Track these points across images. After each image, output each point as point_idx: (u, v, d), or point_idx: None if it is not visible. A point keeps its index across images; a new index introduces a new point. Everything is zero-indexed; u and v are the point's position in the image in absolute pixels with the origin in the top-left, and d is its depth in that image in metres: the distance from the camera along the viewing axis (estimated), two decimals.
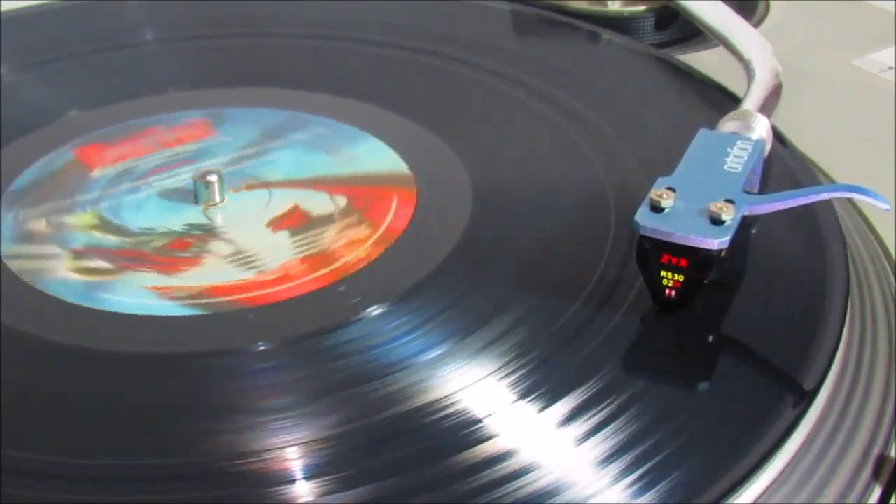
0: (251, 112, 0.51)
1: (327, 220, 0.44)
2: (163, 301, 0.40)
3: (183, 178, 0.47)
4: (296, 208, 0.45)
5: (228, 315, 0.39)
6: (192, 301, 0.40)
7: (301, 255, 0.42)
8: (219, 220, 0.45)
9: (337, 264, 0.42)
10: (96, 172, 0.47)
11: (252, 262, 0.42)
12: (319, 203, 0.45)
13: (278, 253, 0.42)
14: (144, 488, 0.33)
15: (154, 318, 0.39)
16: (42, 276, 0.42)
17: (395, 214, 0.44)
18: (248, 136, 0.50)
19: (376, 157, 0.48)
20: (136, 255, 0.43)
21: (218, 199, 0.45)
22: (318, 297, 0.40)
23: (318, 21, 0.58)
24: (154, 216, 0.45)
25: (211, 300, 0.40)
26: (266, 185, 0.47)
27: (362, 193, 0.46)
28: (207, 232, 0.44)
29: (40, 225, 0.44)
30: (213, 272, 0.42)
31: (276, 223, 0.44)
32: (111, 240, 0.44)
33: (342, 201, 0.45)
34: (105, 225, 0.44)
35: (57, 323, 0.39)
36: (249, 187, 0.46)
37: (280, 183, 0.47)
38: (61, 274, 0.42)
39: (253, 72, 0.54)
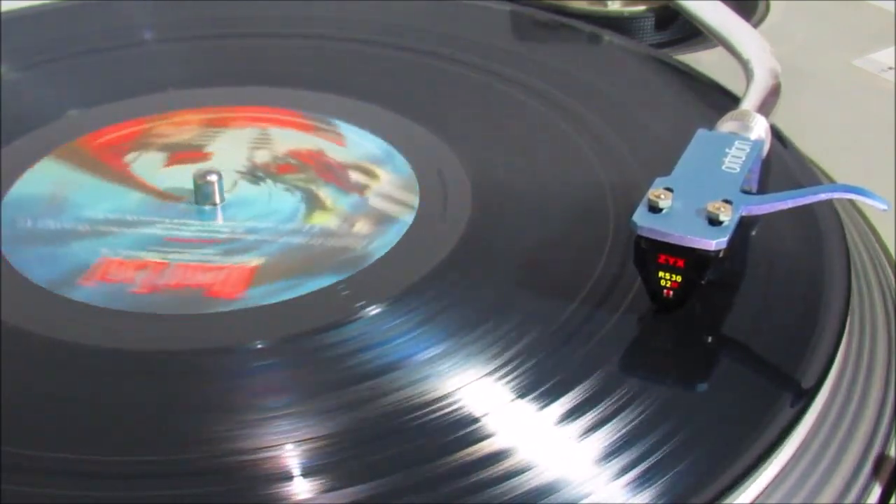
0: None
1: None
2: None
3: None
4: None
5: (228, 314, 0.39)
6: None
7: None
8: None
9: None
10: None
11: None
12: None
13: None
14: (143, 486, 0.33)
15: (153, 316, 0.39)
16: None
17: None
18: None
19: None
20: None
21: (217, 198, 0.45)
22: (317, 296, 0.40)
23: (318, 21, 0.58)
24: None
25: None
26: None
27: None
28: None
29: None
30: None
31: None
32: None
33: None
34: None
35: (56, 321, 0.39)
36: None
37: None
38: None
39: (253, 72, 0.55)
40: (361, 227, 0.44)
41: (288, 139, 0.49)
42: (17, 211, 0.45)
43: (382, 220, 0.44)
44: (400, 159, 0.47)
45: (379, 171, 0.47)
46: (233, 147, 0.49)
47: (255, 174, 0.47)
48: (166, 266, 0.42)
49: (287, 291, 0.40)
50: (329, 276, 0.41)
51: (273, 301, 0.40)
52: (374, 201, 0.45)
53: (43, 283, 0.41)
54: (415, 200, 0.45)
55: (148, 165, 0.48)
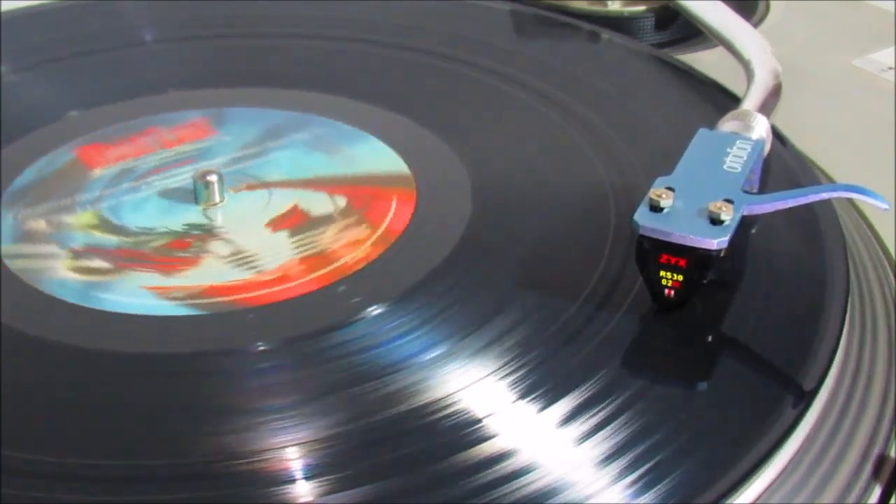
0: (252, 112, 0.51)
1: (327, 220, 0.44)
2: (161, 301, 0.40)
3: (183, 177, 0.47)
4: (295, 208, 0.45)
5: (228, 315, 0.39)
6: (190, 301, 0.40)
7: (300, 256, 0.42)
8: (218, 220, 0.45)
9: (336, 264, 0.42)
10: (97, 172, 0.47)
11: (251, 262, 0.42)
12: (319, 203, 0.45)
13: (277, 253, 0.42)
14: (144, 488, 0.33)
15: (154, 317, 0.39)
16: (41, 276, 0.42)
17: (395, 215, 0.44)
18: (249, 135, 0.50)
19: (376, 157, 0.48)
20: (136, 254, 0.43)
21: (217, 198, 0.45)
22: (317, 297, 0.40)
23: (318, 21, 0.58)
24: (153, 216, 0.45)
25: (209, 300, 0.40)
26: (266, 185, 0.47)
27: (362, 194, 0.46)
28: (207, 232, 0.44)
29: (40, 224, 0.44)
30: (212, 272, 0.42)
31: (276, 223, 0.44)
32: (111, 239, 0.44)
33: (342, 202, 0.45)
34: (105, 224, 0.44)
35: (56, 323, 0.39)
36: (249, 187, 0.47)
37: (279, 183, 0.47)
38: (61, 273, 0.42)
39: (253, 72, 0.54)
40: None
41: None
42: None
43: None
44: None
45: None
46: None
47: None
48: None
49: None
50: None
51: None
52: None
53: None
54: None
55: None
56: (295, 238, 0.43)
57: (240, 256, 0.42)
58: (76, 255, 0.43)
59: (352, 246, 0.43)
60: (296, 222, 0.44)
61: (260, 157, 0.48)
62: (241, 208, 0.45)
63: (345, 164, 0.48)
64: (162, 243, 0.43)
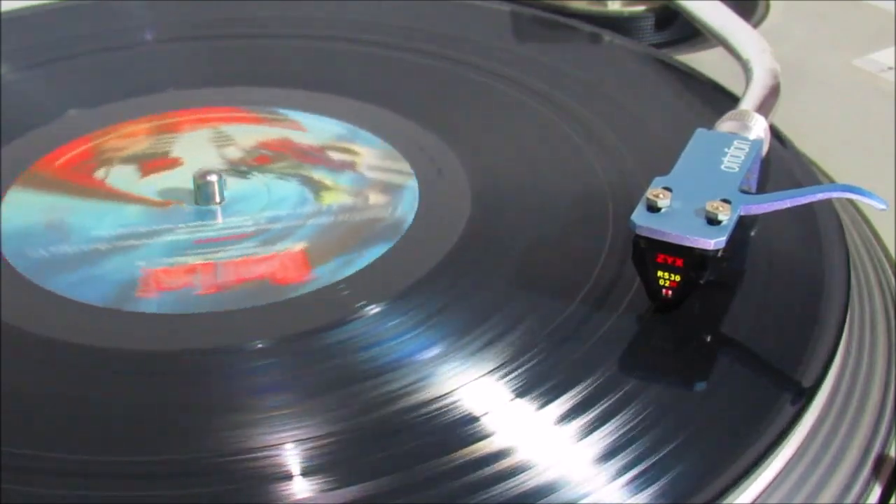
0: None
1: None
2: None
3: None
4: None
5: (228, 314, 0.39)
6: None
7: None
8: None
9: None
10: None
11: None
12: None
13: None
14: (143, 486, 0.33)
15: (154, 316, 0.39)
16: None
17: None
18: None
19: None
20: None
21: (218, 198, 0.45)
22: (317, 295, 0.40)
23: (318, 21, 0.58)
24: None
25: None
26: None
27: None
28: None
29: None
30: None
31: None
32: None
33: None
34: None
35: (55, 321, 0.39)
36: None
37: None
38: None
39: (253, 72, 0.55)
40: (376, 198, 0.44)
41: (246, 133, 0.50)
42: (22, 243, 0.43)
43: (391, 187, 0.45)
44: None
45: (357, 147, 0.48)
46: (197, 149, 0.49)
47: (239, 170, 0.47)
48: (215, 266, 0.42)
49: (349, 266, 0.41)
50: (381, 244, 0.42)
51: (341, 276, 0.40)
52: (371, 173, 0.46)
53: (100, 304, 0.40)
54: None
55: (123, 179, 0.47)
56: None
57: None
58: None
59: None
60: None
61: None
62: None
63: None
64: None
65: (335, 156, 0.47)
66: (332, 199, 0.45)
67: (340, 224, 0.44)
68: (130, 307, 0.40)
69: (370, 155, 0.47)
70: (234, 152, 0.48)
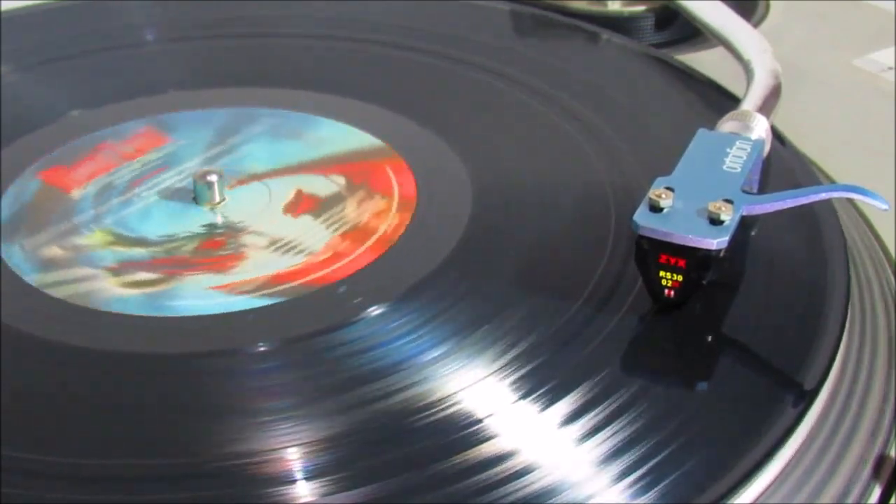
0: (194, 114, 0.51)
1: (339, 198, 0.45)
2: (232, 297, 0.40)
3: (167, 183, 0.46)
4: (300, 193, 0.45)
5: (228, 315, 0.39)
6: (262, 292, 0.40)
7: (339, 233, 0.43)
8: (233, 216, 0.45)
9: (377, 235, 0.42)
10: (75, 193, 0.46)
11: (295, 247, 0.42)
12: (320, 185, 0.46)
13: (315, 235, 0.43)
14: (143, 489, 0.33)
15: (155, 318, 0.39)
16: (97, 297, 0.41)
17: (399, 182, 0.45)
18: (206, 136, 0.49)
19: (345, 136, 0.49)
20: (176, 260, 0.42)
21: (218, 198, 0.45)
22: (318, 296, 0.40)
23: (318, 21, 0.58)
24: (165, 223, 0.44)
25: (280, 287, 0.40)
26: (257, 177, 0.47)
27: (355, 170, 0.46)
28: (230, 229, 0.44)
29: (54, 251, 0.43)
30: (265, 262, 0.42)
31: (292, 209, 0.45)
32: (139, 252, 0.43)
33: (341, 180, 0.46)
34: (122, 239, 0.44)
35: (58, 323, 0.39)
36: (241, 182, 0.46)
37: (269, 173, 0.47)
38: (115, 291, 0.41)
39: (253, 72, 0.54)
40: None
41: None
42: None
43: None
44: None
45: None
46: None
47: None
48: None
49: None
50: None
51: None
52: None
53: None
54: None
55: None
56: (320, 219, 0.44)
57: (281, 244, 0.43)
58: (116, 272, 0.42)
59: (380, 216, 0.43)
60: (310, 205, 0.45)
61: (231, 154, 0.48)
62: (248, 202, 0.45)
63: (318, 147, 0.48)
64: (194, 246, 0.43)
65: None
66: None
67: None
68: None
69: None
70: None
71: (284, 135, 0.49)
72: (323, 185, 0.46)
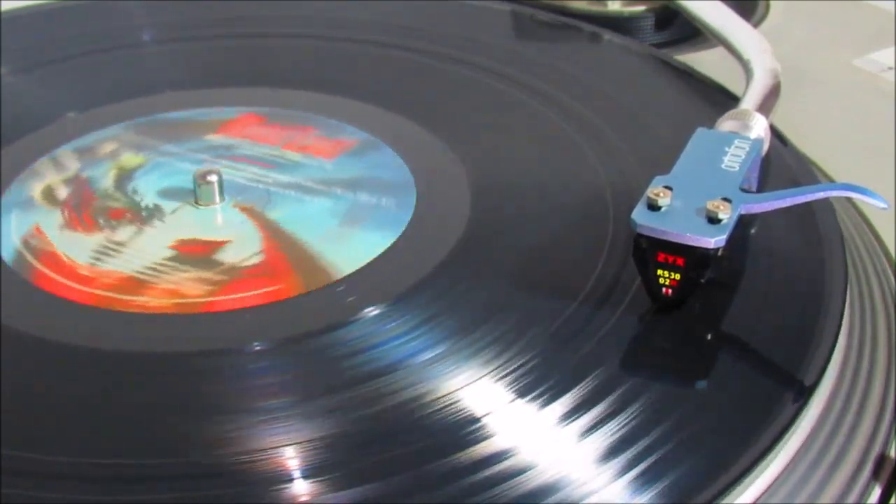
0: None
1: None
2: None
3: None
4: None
5: (227, 315, 0.39)
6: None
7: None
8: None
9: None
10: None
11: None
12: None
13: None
14: (143, 488, 0.33)
15: (154, 317, 0.39)
16: None
17: None
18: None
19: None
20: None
21: (218, 199, 0.45)
22: (316, 296, 0.40)
23: (318, 21, 0.58)
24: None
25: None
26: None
27: None
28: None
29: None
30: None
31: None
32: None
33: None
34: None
35: (55, 322, 0.39)
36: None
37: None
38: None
39: (252, 72, 0.55)
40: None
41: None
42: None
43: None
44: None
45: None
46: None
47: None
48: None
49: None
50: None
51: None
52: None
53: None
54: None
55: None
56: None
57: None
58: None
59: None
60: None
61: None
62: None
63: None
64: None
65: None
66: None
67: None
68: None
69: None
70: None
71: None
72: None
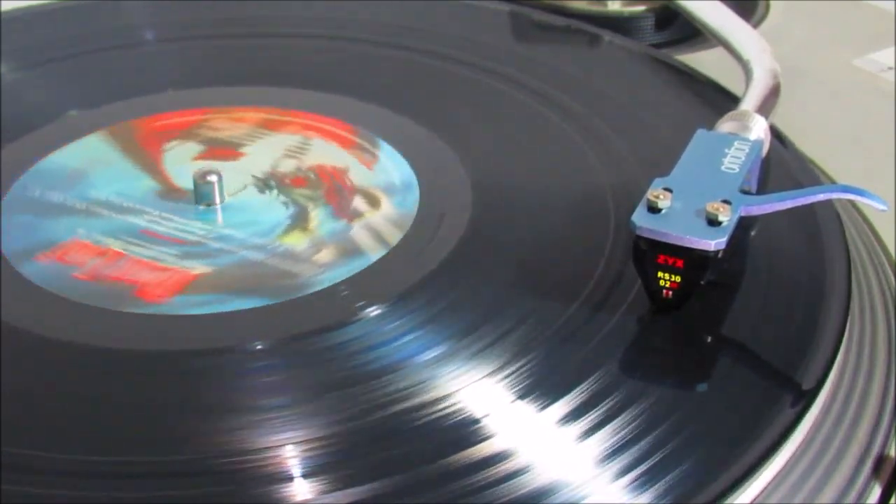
0: None
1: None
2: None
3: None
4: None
5: (228, 315, 0.39)
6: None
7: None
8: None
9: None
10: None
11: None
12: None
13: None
14: (143, 487, 0.33)
15: (153, 317, 0.39)
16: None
17: None
18: None
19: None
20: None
21: (218, 199, 0.45)
22: (317, 296, 0.40)
23: (318, 21, 0.58)
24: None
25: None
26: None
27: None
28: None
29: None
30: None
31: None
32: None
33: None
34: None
35: (55, 320, 0.39)
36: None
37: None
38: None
39: (253, 72, 0.54)
40: (324, 255, 0.43)
41: (322, 152, 0.49)
42: (36, 179, 0.47)
43: (350, 252, 0.43)
44: (414, 193, 0.46)
45: (384, 201, 0.46)
46: (267, 151, 0.49)
47: (267, 182, 0.47)
48: (121, 257, 0.42)
49: (208, 306, 0.40)
50: (258, 300, 0.40)
51: (192, 312, 0.40)
52: (357, 232, 0.44)
53: (7, 252, 0.42)
54: (397, 238, 0.43)
55: (180, 156, 0.48)
56: None
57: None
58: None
59: None
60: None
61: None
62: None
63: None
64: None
65: (356, 202, 0.46)
66: (290, 240, 0.43)
67: (262, 265, 0.42)
68: (18, 265, 0.42)
69: (384, 214, 0.45)
70: (288, 165, 0.48)
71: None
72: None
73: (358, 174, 0.47)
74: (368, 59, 0.55)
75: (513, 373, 0.36)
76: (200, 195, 0.45)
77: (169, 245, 0.43)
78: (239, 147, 0.49)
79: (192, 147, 0.49)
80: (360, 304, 0.39)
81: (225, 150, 0.49)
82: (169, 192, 0.46)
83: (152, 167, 0.48)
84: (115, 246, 0.43)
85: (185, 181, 0.46)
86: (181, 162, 0.48)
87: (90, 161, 0.48)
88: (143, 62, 0.56)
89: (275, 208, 0.45)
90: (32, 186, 0.46)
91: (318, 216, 0.45)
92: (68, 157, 0.48)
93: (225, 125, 0.50)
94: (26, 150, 0.49)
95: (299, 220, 0.45)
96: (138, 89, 0.53)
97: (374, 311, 0.39)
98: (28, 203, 0.45)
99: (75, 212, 0.45)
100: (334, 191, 0.46)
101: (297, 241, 0.43)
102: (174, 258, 0.42)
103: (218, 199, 0.45)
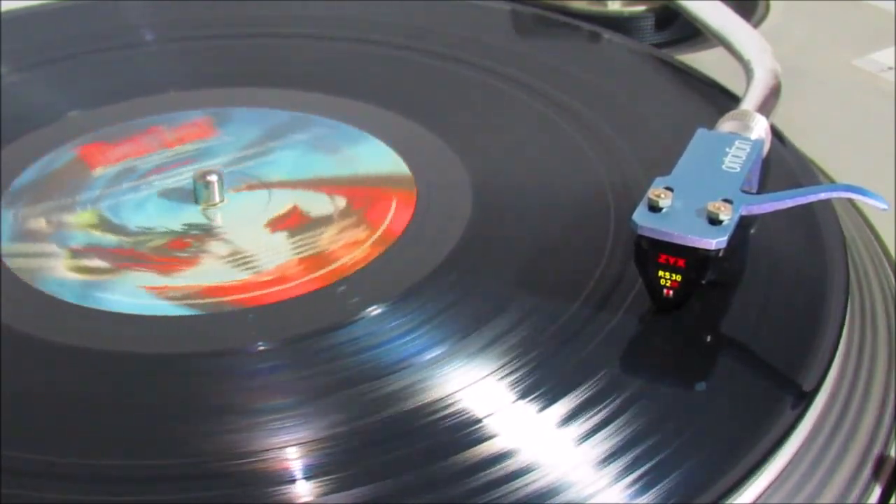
0: (254, 112, 0.51)
1: (326, 221, 0.44)
2: (159, 301, 0.40)
3: (184, 177, 0.47)
4: (295, 209, 0.45)
5: (228, 315, 0.39)
6: (187, 301, 0.40)
7: (298, 257, 0.42)
8: (218, 220, 0.45)
9: (334, 265, 0.42)
10: (98, 171, 0.47)
11: (249, 262, 0.42)
12: (319, 204, 0.45)
13: (276, 254, 0.42)
14: (143, 488, 0.33)
15: (153, 317, 0.39)
16: (40, 275, 0.42)
17: (394, 216, 0.44)
18: (250, 136, 0.50)
19: (377, 157, 0.48)
20: (135, 254, 0.43)
21: (217, 198, 0.45)
22: (317, 297, 0.40)
23: (318, 21, 0.58)
24: (154, 216, 0.45)
25: (206, 300, 0.40)
26: (266, 185, 0.47)
27: (362, 195, 0.46)
28: (206, 232, 0.44)
29: (40, 223, 0.44)
30: (209, 272, 0.42)
31: (275, 224, 0.44)
32: (110, 239, 0.44)
33: (341, 202, 0.45)
34: (104, 224, 0.44)
35: (55, 322, 0.39)
36: (250, 187, 0.46)
37: (280, 183, 0.47)
38: (59, 273, 0.42)
39: (253, 72, 0.55)
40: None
41: None
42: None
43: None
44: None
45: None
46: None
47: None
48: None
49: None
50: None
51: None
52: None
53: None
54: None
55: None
56: (294, 239, 0.43)
57: (238, 257, 0.42)
58: (75, 254, 0.43)
59: (351, 247, 0.43)
60: (295, 223, 0.44)
61: (261, 157, 0.48)
62: (241, 208, 0.45)
63: (345, 164, 0.48)
64: (161, 243, 0.43)
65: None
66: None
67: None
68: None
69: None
70: None
71: (322, 147, 0.49)
72: (321, 205, 0.45)
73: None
74: (368, 59, 0.55)
75: (514, 373, 0.36)
76: (201, 196, 0.45)
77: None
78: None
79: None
80: (361, 304, 0.39)
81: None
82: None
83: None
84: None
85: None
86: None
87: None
88: (143, 62, 0.56)
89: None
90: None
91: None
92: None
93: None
94: (26, 150, 0.49)
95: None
96: (138, 89, 0.53)
97: (374, 312, 0.39)
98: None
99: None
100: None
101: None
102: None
103: (218, 199, 0.45)
